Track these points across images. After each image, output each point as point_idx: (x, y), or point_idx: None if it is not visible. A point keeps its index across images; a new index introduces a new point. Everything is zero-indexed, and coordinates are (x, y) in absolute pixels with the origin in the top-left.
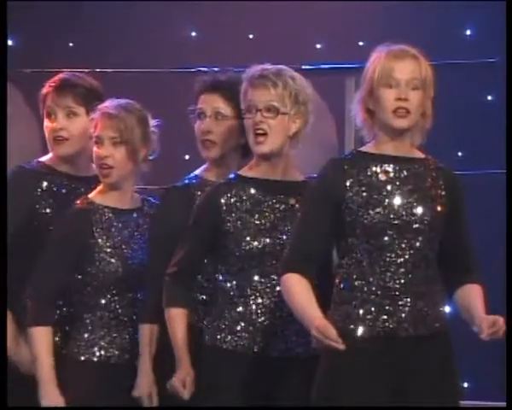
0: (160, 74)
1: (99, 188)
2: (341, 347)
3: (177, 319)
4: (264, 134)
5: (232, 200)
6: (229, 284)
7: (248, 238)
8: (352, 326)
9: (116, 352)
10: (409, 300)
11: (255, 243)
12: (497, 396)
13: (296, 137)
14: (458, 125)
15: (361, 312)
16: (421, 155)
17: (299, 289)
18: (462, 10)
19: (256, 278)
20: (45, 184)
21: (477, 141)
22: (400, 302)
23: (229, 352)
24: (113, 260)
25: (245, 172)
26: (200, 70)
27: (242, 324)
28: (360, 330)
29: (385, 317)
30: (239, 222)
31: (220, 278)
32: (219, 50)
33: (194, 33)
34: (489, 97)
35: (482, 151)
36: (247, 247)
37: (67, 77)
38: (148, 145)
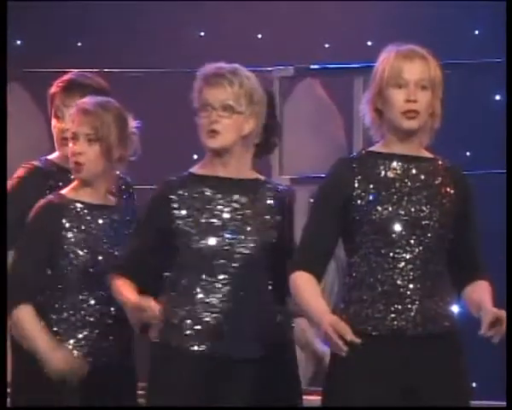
0: (168, 74)
1: (72, 185)
2: (355, 340)
3: (123, 283)
4: (217, 133)
5: (183, 197)
6: (177, 283)
7: (198, 237)
8: (361, 325)
9: (84, 352)
10: (417, 298)
11: (205, 242)
12: (497, 396)
13: (249, 137)
14: (466, 125)
15: (370, 311)
16: (429, 154)
17: (306, 287)
18: (470, 10)
19: (204, 276)
20: (52, 182)
21: (485, 141)
22: (408, 300)
23: (177, 350)
24: (82, 253)
25: (196, 169)
26: None
27: (190, 322)
28: (369, 329)
29: (393, 315)
30: (189, 220)
31: (169, 275)
32: (228, 50)
33: (202, 33)
34: (497, 97)
35: (490, 151)
36: (197, 245)
37: (75, 77)
38: (126, 146)
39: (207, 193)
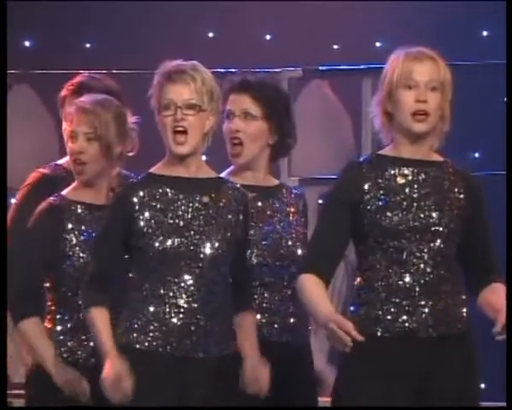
0: None
1: (73, 185)
2: (358, 337)
3: (101, 317)
4: (184, 132)
5: (145, 199)
6: (142, 284)
7: (162, 238)
8: (371, 327)
9: (83, 355)
10: (428, 301)
11: (169, 243)
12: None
13: (208, 134)
14: (474, 126)
15: (380, 312)
16: (439, 158)
17: (312, 289)
18: (478, 11)
19: (169, 277)
20: (61, 187)
21: (493, 142)
22: (420, 303)
23: (143, 352)
24: (83, 255)
25: (158, 170)
26: (217, 71)
27: (155, 324)
28: (380, 331)
29: (405, 317)
30: (152, 221)
31: (133, 277)
32: (236, 51)
33: (211, 34)
34: (505, 99)
35: (498, 153)
36: (161, 246)
37: (85, 79)
38: (125, 142)
39: (169, 194)
